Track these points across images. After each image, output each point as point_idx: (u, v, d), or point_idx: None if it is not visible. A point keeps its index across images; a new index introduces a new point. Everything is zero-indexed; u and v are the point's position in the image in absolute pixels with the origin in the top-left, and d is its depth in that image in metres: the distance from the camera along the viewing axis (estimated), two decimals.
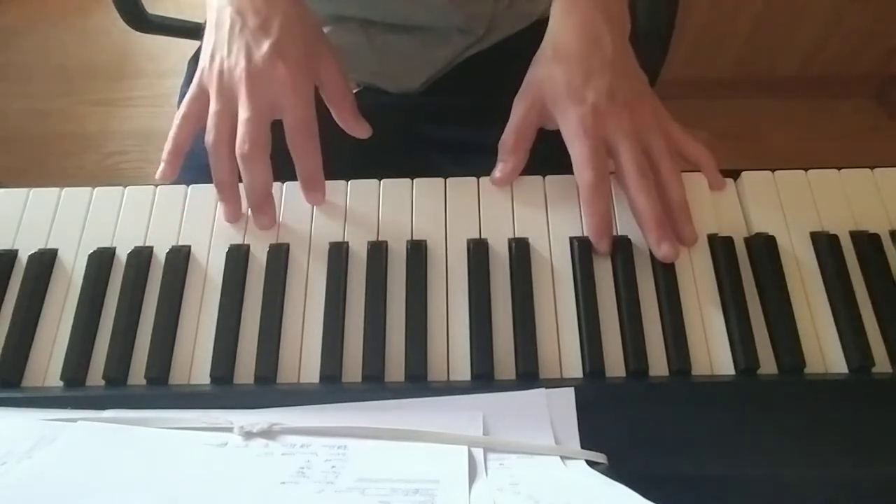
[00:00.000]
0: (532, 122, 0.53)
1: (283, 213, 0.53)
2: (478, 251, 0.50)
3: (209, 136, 0.50)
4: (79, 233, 0.53)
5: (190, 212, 0.53)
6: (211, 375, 0.47)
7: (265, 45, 0.49)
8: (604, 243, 0.50)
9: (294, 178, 0.52)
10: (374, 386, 0.46)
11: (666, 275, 0.49)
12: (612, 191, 0.51)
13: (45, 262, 0.51)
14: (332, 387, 0.46)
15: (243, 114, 0.48)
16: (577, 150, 0.50)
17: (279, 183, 0.53)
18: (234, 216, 0.52)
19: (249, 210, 0.52)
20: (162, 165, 0.52)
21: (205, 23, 0.58)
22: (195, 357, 0.48)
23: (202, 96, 0.51)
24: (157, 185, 0.55)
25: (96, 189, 0.55)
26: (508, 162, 0.53)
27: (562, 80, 0.51)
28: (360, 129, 0.54)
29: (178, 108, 0.80)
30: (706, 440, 0.43)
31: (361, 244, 0.51)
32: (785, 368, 0.46)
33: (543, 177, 0.54)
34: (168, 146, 0.52)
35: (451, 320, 0.48)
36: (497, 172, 0.53)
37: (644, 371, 0.46)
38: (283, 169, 0.51)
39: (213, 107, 0.50)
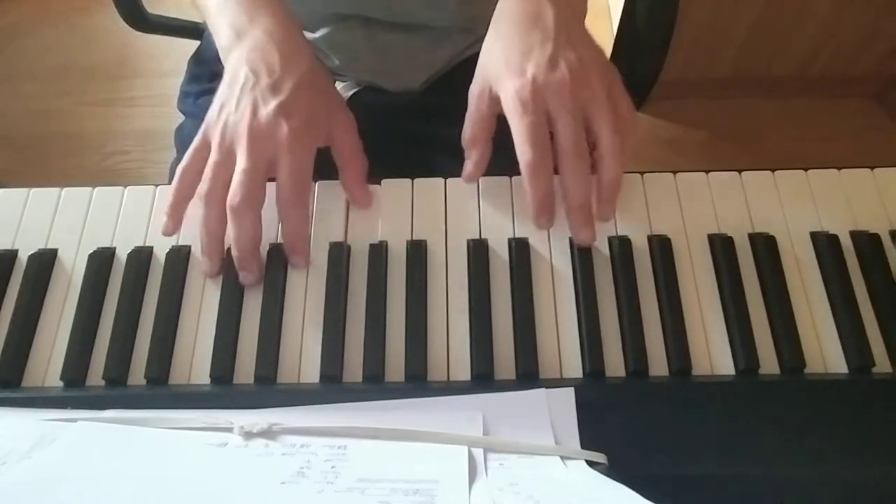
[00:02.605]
0: (486, 109, 0.52)
1: None
2: (478, 251, 0.50)
3: (203, 187, 0.49)
4: (79, 233, 0.53)
5: (190, 212, 0.53)
6: (211, 375, 0.47)
7: (272, 104, 0.49)
8: (544, 219, 0.50)
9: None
10: (374, 386, 0.46)
11: (666, 275, 0.49)
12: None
13: (45, 262, 0.51)
14: (332, 387, 0.46)
15: (240, 165, 0.48)
16: (516, 126, 0.48)
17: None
18: (213, 272, 0.50)
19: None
20: (164, 220, 0.51)
21: (204, 23, 0.58)
22: (195, 357, 0.48)
23: (205, 149, 0.50)
24: (157, 186, 0.55)
25: (96, 189, 0.55)
26: (472, 155, 0.52)
27: (502, 58, 0.50)
28: (363, 198, 0.53)
29: (177, 105, 0.81)
30: (706, 440, 0.43)
31: (362, 244, 0.51)
32: (785, 368, 0.46)
33: None
34: (170, 198, 0.51)
35: (451, 320, 0.48)
36: (466, 167, 0.53)
37: (644, 371, 0.46)
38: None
39: (212, 157, 0.49)
